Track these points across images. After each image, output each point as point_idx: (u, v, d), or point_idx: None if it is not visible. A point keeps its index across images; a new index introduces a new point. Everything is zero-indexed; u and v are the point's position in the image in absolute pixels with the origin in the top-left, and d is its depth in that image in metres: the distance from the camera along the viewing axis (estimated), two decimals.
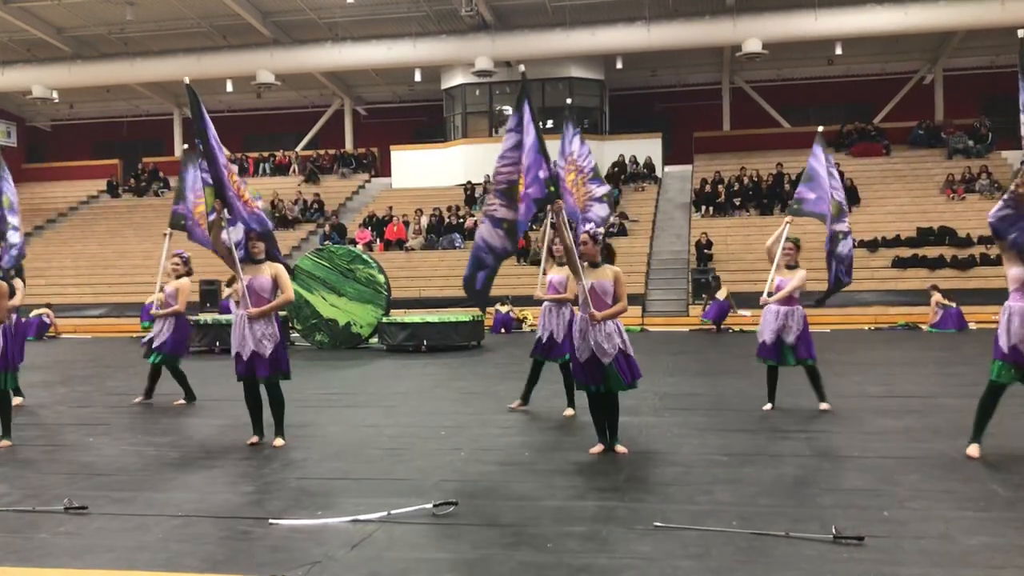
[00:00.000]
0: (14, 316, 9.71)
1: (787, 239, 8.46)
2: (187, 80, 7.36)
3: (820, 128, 9.49)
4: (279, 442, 7.19)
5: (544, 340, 8.52)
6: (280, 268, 7.17)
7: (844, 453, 6.58)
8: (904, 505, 5.15)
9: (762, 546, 4.46)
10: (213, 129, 7.08)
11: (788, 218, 8.61)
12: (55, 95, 30.01)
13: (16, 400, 9.89)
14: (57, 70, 28.98)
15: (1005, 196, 5.95)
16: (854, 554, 4.32)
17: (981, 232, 21.22)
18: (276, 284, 7.12)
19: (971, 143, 27.45)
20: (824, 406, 8.35)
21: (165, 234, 10.28)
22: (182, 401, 9.74)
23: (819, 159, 8.81)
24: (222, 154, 7.11)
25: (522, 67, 7.11)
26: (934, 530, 4.69)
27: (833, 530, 4.54)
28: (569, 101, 10.97)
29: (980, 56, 27.88)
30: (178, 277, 9.63)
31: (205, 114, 7.08)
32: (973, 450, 6.33)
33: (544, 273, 8.68)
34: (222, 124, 7.68)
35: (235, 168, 7.34)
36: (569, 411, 8.46)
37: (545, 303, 8.60)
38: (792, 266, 8.51)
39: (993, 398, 6.38)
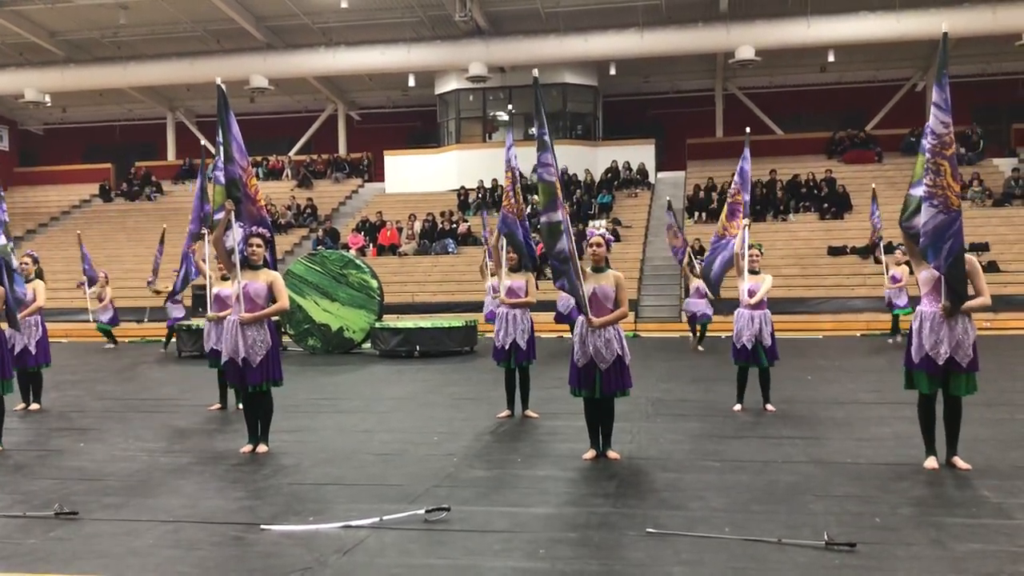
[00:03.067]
0: (38, 318, 9.70)
1: (751, 245, 8.95)
2: (219, 80, 7.53)
3: (747, 129, 10.03)
4: (263, 448, 7.17)
5: (506, 347, 8.60)
6: (276, 276, 7.15)
7: (836, 459, 6.60)
8: (896, 512, 5.17)
9: (755, 553, 4.47)
10: (237, 129, 7.23)
11: (746, 221, 9.02)
12: (48, 99, 29.93)
13: (33, 406, 9.85)
14: (50, 74, 28.89)
15: (934, 202, 5.75)
16: (846, 560, 4.33)
17: (973, 239, 21.29)
18: (271, 291, 7.10)
19: (962, 151, 27.52)
20: (770, 408, 8.82)
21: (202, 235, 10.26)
22: (218, 405, 9.70)
23: (748, 160, 9.40)
24: (244, 157, 7.21)
25: (535, 71, 7.11)
26: (925, 536, 4.70)
27: (825, 536, 4.55)
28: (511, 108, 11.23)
29: (971, 64, 28.00)
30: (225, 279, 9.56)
31: (232, 115, 7.26)
32: (930, 462, 6.26)
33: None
34: (215, 128, 7.76)
35: (254, 171, 7.45)
36: (506, 412, 8.78)
37: (502, 309, 8.72)
38: (756, 271, 8.92)
39: (926, 409, 6.31)
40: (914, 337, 6.19)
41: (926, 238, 5.84)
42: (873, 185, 19.16)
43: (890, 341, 15.98)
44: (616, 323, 6.58)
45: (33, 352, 9.63)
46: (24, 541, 4.82)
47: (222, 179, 7.40)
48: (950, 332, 6.03)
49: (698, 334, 15.68)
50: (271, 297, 7.09)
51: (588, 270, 6.64)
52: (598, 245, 6.60)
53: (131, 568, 4.37)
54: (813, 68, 29.15)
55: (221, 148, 7.33)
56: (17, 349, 9.27)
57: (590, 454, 6.74)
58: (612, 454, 6.70)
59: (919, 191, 5.99)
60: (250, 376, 7.02)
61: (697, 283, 14.79)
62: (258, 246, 7.11)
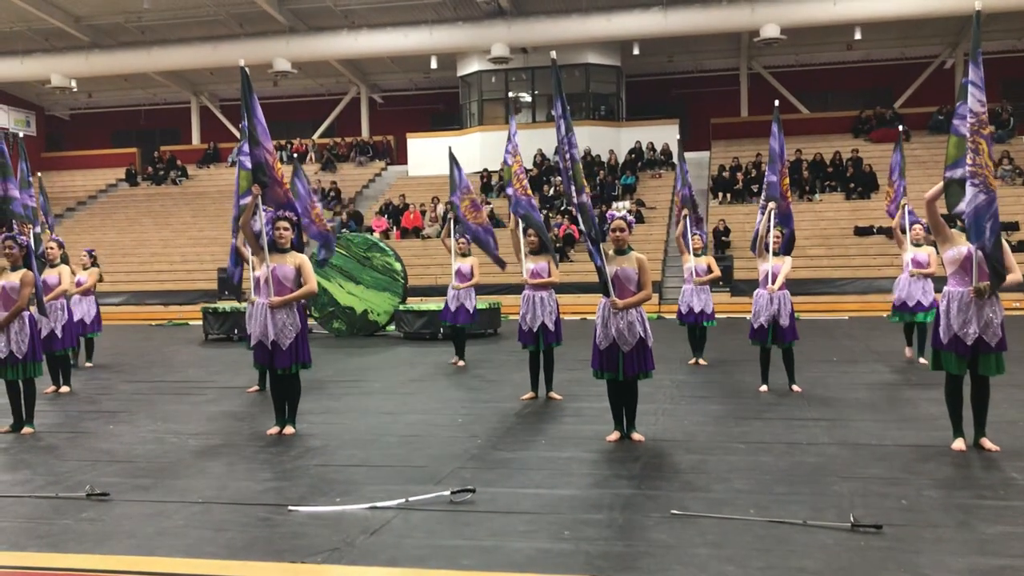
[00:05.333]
0: (63, 302, 9.87)
1: (774, 227, 8.91)
2: (242, 63, 7.56)
3: (776, 103, 9.65)
4: (289, 430, 7.23)
5: (534, 329, 8.63)
6: (304, 259, 7.19)
7: (862, 441, 6.56)
8: (922, 493, 5.14)
9: (779, 534, 4.46)
10: (261, 113, 7.26)
11: (771, 204, 8.91)
12: (73, 84, 30.16)
13: (63, 389, 10.00)
14: (75, 59, 29.12)
15: (975, 181, 5.70)
16: (872, 542, 4.31)
17: (1003, 218, 21.00)
18: (299, 274, 7.14)
19: (992, 128, 27.16)
20: (796, 388, 8.81)
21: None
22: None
23: (776, 137, 9.09)
24: (268, 140, 7.25)
25: (553, 53, 7.09)
26: (952, 519, 4.67)
27: (851, 518, 4.53)
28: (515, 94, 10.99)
29: (1001, 40, 27.52)
30: None
31: (255, 99, 7.28)
32: (958, 444, 6.20)
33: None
34: (239, 112, 7.80)
35: (277, 155, 7.48)
36: (530, 394, 8.76)
37: (526, 291, 8.75)
38: (777, 253, 8.92)
39: (953, 390, 6.25)
40: (942, 317, 6.14)
41: (968, 218, 5.79)
42: (900, 127, 16.46)
43: (922, 360, 10.61)
44: (639, 305, 6.57)
45: (59, 336, 9.78)
46: (57, 521, 4.91)
47: (247, 163, 7.45)
48: (978, 312, 5.97)
49: (697, 339, 11.28)
50: (299, 280, 7.14)
51: (611, 252, 6.63)
52: (620, 230, 6.57)
53: (161, 548, 4.44)
54: (839, 46, 28.76)
55: (246, 132, 7.37)
56: (44, 333, 9.39)
57: (614, 436, 6.74)
58: (636, 436, 6.71)
59: (958, 173, 5.92)
60: (279, 359, 7.07)
61: (691, 263, 10.93)
62: (285, 229, 7.16)
